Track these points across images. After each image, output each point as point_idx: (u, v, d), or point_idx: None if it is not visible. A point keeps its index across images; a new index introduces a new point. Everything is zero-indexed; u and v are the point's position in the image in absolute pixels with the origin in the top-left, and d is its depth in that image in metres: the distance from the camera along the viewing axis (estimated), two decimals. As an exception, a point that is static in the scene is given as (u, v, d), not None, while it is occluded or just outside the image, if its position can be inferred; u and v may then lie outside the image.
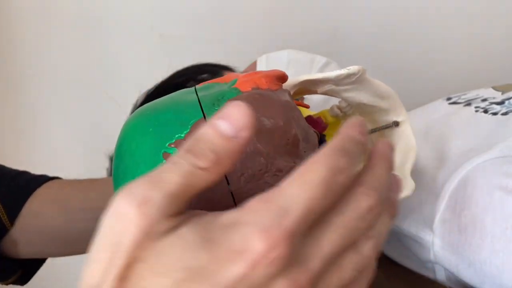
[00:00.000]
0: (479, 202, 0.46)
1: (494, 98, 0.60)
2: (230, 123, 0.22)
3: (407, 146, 0.44)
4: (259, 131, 0.30)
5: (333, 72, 0.38)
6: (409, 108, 0.70)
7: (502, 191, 0.45)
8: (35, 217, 0.54)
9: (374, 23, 1.07)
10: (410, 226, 0.52)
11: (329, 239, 0.23)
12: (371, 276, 0.25)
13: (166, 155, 0.30)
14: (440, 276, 0.52)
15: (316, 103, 0.67)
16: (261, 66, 0.72)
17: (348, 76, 0.39)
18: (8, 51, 1.11)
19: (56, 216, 0.54)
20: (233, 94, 0.32)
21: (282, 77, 0.35)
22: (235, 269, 0.20)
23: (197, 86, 0.36)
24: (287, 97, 0.34)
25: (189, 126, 0.30)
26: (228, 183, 0.29)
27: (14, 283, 0.57)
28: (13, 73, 1.12)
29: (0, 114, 1.13)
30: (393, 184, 0.27)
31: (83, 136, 1.15)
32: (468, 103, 0.61)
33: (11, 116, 1.14)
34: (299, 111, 0.34)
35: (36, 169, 0.62)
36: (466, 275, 0.48)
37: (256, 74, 0.34)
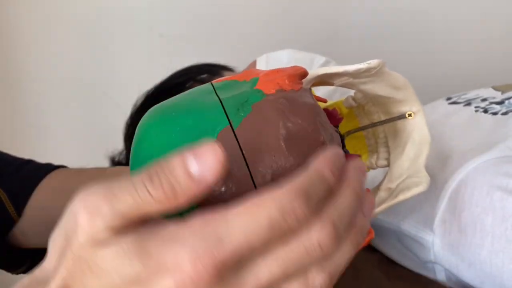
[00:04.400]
0: (479, 202, 0.46)
1: (494, 98, 0.60)
2: (201, 165, 0.22)
3: (421, 138, 0.43)
4: (288, 139, 0.29)
5: (352, 66, 0.38)
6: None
7: (502, 191, 0.45)
8: (42, 208, 0.54)
9: (374, 23, 1.07)
10: (410, 226, 0.52)
11: (268, 270, 0.23)
12: None
13: None
14: (440, 276, 0.52)
15: (323, 94, 0.67)
16: (261, 66, 0.72)
17: (368, 69, 0.38)
18: (8, 51, 1.11)
19: (63, 207, 0.54)
20: (258, 98, 0.31)
21: (304, 75, 0.34)
22: (164, 282, 0.21)
23: (215, 84, 0.34)
24: (310, 99, 0.33)
25: (216, 135, 0.29)
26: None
27: (24, 273, 0.57)
28: (13, 73, 1.12)
29: None
30: (365, 207, 0.27)
31: (83, 136, 1.15)
32: (468, 103, 0.61)
33: (10, 117, 1.14)
34: (324, 113, 0.33)
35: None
36: (466, 275, 0.48)
37: (278, 72, 0.33)
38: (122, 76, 1.12)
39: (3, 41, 1.10)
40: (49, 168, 0.58)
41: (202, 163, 0.22)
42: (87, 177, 0.56)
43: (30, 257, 0.57)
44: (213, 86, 0.34)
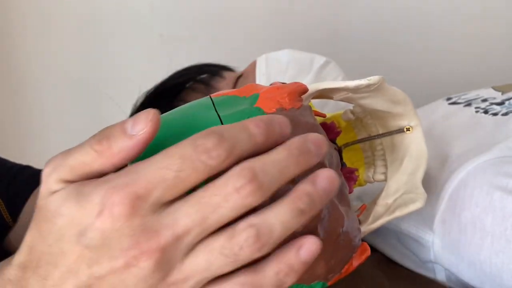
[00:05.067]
0: (479, 202, 0.46)
1: (494, 98, 0.60)
2: (135, 123, 0.25)
3: (419, 153, 0.44)
4: None
5: (353, 82, 0.38)
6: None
7: (502, 191, 0.45)
8: None
9: (374, 23, 1.07)
10: (410, 225, 0.52)
11: (186, 213, 0.24)
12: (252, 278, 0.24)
13: None
14: (440, 276, 0.52)
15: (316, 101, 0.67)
16: (261, 66, 0.72)
17: (368, 85, 0.38)
18: (8, 51, 1.11)
19: None
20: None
21: (304, 91, 0.34)
22: (93, 219, 0.24)
23: (214, 98, 0.34)
24: (311, 118, 0.33)
25: None
26: None
27: None
28: (13, 74, 1.12)
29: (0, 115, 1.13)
30: (318, 178, 0.25)
31: (83, 137, 1.15)
32: (468, 104, 0.61)
33: (10, 117, 1.14)
34: (324, 133, 0.33)
35: (36, 169, 0.62)
36: (466, 275, 0.48)
37: (278, 90, 0.33)
38: (122, 76, 1.12)
39: (3, 41, 1.10)
40: None
41: (137, 123, 0.25)
42: None
43: None
44: (212, 101, 0.33)
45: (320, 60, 0.73)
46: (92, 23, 1.10)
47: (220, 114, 0.31)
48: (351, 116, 0.45)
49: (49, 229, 0.25)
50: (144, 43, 1.11)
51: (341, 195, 0.33)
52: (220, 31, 1.09)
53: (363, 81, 0.38)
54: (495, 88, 0.64)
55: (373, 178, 0.45)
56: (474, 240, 0.46)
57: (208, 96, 0.34)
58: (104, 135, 0.25)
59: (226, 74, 0.77)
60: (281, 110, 0.31)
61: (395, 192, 0.44)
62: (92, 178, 0.26)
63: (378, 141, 0.46)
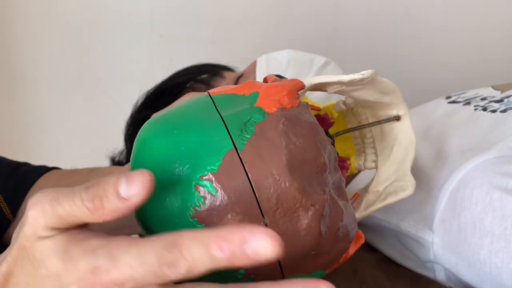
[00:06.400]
0: (479, 202, 0.46)
1: (493, 97, 0.60)
2: (129, 187, 0.26)
3: (408, 141, 0.45)
4: (291, 162, 0.30)
5: (347, 76, 0.39)
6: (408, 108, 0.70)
7: (502, 191, 0.45)
8: None
9: (374, 23, 1.07)
10: (409, 225, 0.52)
11: None
12: None
13: (198, 188, 0.29)
14: (440, 276, 0.52)
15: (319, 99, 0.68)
16: (261, 66, 0.72)
17: (361, 79, 0.39)
18: (9, 51, 1.11)
19: None
20: (259, 117, 0.31)
21: (301, 88, 0.35)
22: (73, 277, 0.25)
23: (213, 96, 0.34)
24: (310, 116, 0.33)
25: (221, 158, 0.30)
26: (263, 216, 0.29)
27: None
28: (13, 73, 1.12)
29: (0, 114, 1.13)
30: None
31: (83, 136, 1.15)
32: (467, 102, 0.61)
33: (10, 117, 1.14)
34: (322, 130, 0.34)
35: (36, 170, 0.62)
36: (466, 275, 0.48)
37: (277, 88, 0.33)
38: (122, 76, 1.12)
39: (3, 40, 1.10)
40: (43, 169, 0.59)
41: (130, 187, 0.25)
42: (78, 177, 0.57)
43: None
44: (212, 99, 0.34)
45: (320, 60, 0.73)
46: (92, 23, 1.10)
47: (222, 115, 0.32)
48: (343, 106, 0.46)
49: (31, 272, 0.27)
50: (144, 43, 1.11)
51: (340, 190, 0.34)
52: (220, 31, 1.09)
53: (357, 76, 0.39)
54: (495, 87, 0.64)
55: (364, 166, 0.46)
56: (474, 240, 0.46)
57: (207, 94, 0.35)
58: (97, 194, 0.26)
59: (226, 74, 0.77)
60: (281, 110, 0.32)
61: (386, 180, 0.45)
62: (81, 227, 0.28)
63: (368, 129, 0.47)
